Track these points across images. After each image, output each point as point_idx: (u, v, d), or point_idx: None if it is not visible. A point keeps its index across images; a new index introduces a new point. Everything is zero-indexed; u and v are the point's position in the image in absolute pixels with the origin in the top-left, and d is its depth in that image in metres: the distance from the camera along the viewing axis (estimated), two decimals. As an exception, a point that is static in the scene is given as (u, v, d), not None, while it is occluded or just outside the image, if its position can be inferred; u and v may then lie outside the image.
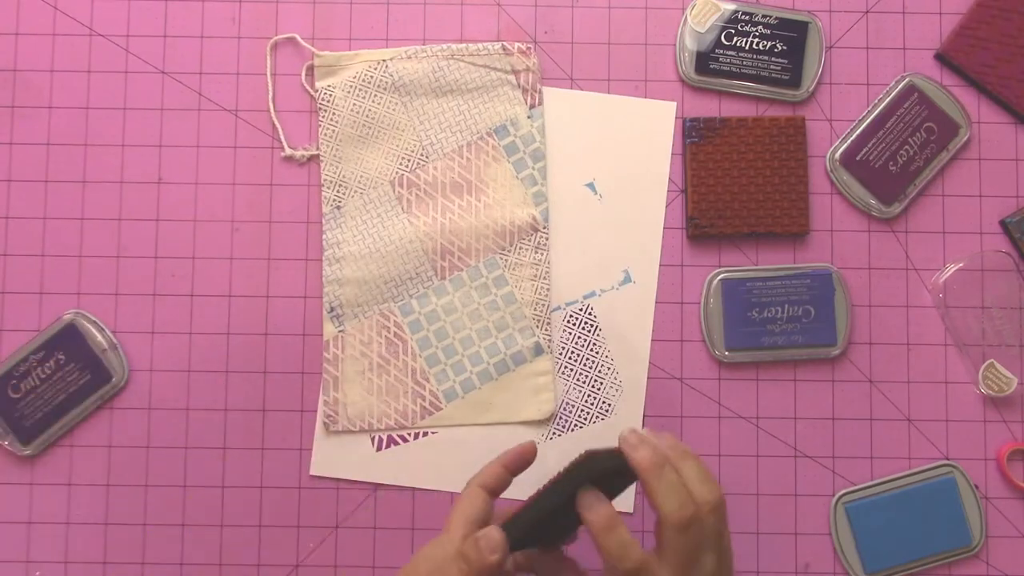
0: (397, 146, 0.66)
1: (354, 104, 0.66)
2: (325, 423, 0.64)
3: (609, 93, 0.67)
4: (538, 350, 0.65)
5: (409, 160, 0.66)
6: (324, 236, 0.65)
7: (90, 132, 0.67)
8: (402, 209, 0.65)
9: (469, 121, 0.66)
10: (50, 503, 0.65)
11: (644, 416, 0.65)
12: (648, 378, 0.66)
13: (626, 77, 0.67)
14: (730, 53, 0.66)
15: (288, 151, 0.66)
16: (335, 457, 0.65)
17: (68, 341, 0.64)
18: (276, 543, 0.65)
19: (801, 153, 0.65)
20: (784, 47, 0.66)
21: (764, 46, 0.66)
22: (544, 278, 0.65)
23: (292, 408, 0.65)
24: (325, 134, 0.66)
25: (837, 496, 0.64)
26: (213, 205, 0.66)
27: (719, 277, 0.65)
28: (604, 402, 0.65)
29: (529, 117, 0.66)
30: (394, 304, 0.65)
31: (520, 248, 0.65)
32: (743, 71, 0.66)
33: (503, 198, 0.65)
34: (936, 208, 0.67)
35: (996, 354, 0.65)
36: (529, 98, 0.66)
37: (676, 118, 0.67)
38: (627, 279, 0.66)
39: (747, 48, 0.66)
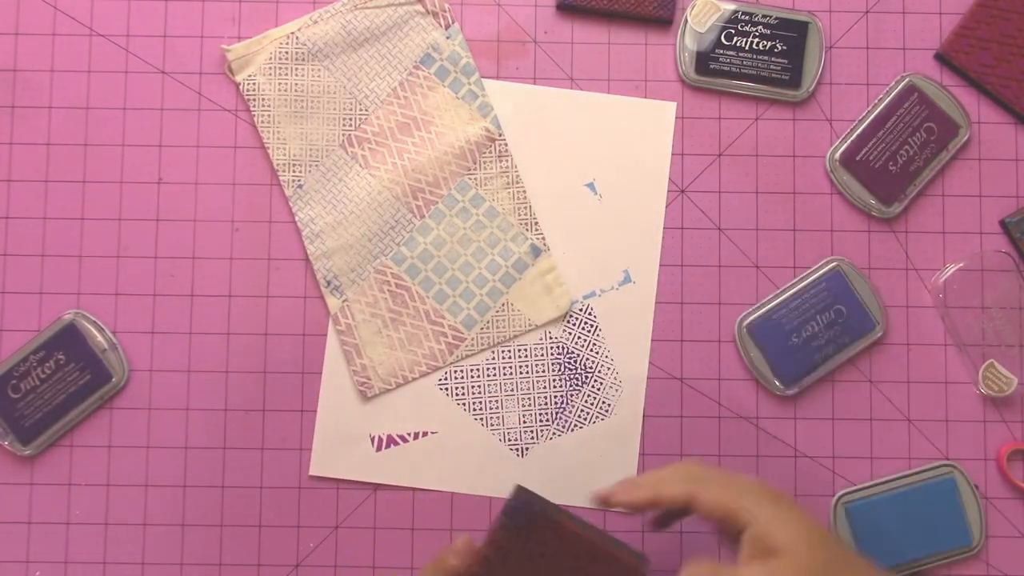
0: (334, 110, 0.66)
1: (279, 84, 0.66)
2: (361, 391, 0.65)
3: (609, 93, 0.67)
4: (535, 251, 0.66)
5: (350, 119, 0.66)
6: (297, 217, 0.66)
7: (90, 132, 0.67)
8: (360, 166, 0.66)
9: (393, 62, 0.66)
10: (50, 503, 0.65)
11: (644, 416, 0.65)
12: (648, 378, 0.66)
13: (626, 77, 0.67)
14: (730, 53, 0.66)
15: None
16: (335, 457, 0.65)
17: (68, 341, 0.64)
18: (276, 543, 0.65)
19: None
20: (784, 47, 0.66)
21: (764, 46, 0.66)
22: (517, 183, 0.66)
23: (292, 408, 0.65)
24: (262, 122, 0.66)
25: (837, 496, 0.64)
26: (213, 205, 0.66)
27: (745, 324, 0.65)
28: (604, 402, 0.65)
29: (448, 37, 0.66)
30: (385, 257, 0.66)
31: (484, 162, 0.66)
32: (743, 71, 0.66)
33: (451, 121, 0.66)
34: (936, 208, 0.67)
35: (996, 354, 0.65)
36: (442, 20, 0.66)
37: (676, 118, 0.67)
38: (627, 279, 0.66)
39: (747, 48, 0.66)
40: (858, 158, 0.66)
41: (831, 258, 0.66)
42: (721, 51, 0.66)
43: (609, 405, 0.65)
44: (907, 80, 0.66)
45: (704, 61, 0.66)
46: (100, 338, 0.65)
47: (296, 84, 0.66)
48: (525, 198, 0.66)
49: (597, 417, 0.65)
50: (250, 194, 0.67)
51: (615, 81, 0.67)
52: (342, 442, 0.65)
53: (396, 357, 0.65)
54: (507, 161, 0.66)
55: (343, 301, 0.65)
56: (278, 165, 0.66)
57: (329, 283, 0.65)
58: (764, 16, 0.66)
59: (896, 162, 0.66)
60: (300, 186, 0.66)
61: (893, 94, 0.66)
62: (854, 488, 0.64)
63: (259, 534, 0.65)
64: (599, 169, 0.67)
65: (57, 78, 0.67)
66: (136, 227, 0.66)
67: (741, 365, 0.66)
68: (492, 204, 0.66)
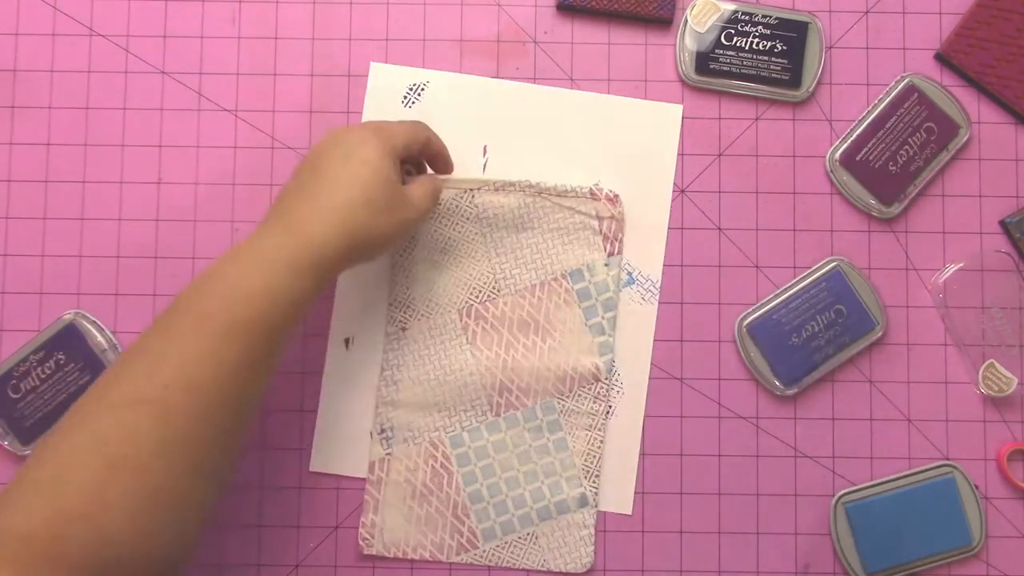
0: (470, 276, 0.65)
1: (434, 231, 0.65)
2: (361, 545, 0.64)
3: (609, 93, 0.67)
4: (583, 501, 0.64)
5: (480, 291, 0.65)
6: (384, 356, 0.65)
7: (90, 132, 0.67)
8: (467, 340, 0.64)
9: (546, 260, 0.65)
10: (50, 503, 0.65)
11: (645, 416, 0.65)
12: (649, 378, 0.66)
13: (626, 77, 0.67)
14: (730, 53, 0.66)
15: None
16: (335, 453, 0.65)
17: (68, 341, 0.64)
18: (276, 543, 0.65)
19: None
20: (784, 47, 0.66)
21: (764, 46, 0.66)
22: (599, 429, 0.64)
23: (292, 408, 0.65)
24: (400, 255, 0.65)
25: (837, 496, 0.64)
26: (213, 205, 0.66)
27: (745, 324, 0.65)
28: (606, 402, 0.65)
29: (606, 265, 0.65)
30: (445, 434, 0.64)
31: (579, 396, 0.64)
32: (743, 71, 0.66)
33: (569, 343, 0.64)
34: (936, 208, 0.67)
35: (996, 354, 0.65)
36: (609, 246, 0.65)
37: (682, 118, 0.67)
38: (630, 280, 0.66)
39: (747, 48, 0.66)
40: (858, 158, 0.66)
41: (831, 258, 0.66)
42: (721, 51, 0.66)
43: (611, 405, 0.65)
44: (907, 80, 0.66)
45: (704, 61, 0.66)
46: (100, 338, 0.65)
47: (450, 237, 0.65)
48: (600, 448, 0.64)
49: (597, 417, 0.65)
50: (250, 194, 0.66)
51: (615, 81, 0.67)
52: (343, 438, 0.65)
53: (407, 531, 0.64)
54: (601, 405, 0.64)
55: (387, 454, 0.64)
56: (393, 300, 0.65)
57: (383, 431, 0.64)
58: (764, 16, 0.66)
59: (896, 162, 0.66)
60: (404, 328, 0.65)
61: (893, 94, 0.66)
62: (854, 488, 0.64)
63: (259, 534, 0.65)
64: (604, 170, 0.67)
65: (57, 78, 0.67)
66: (136, 227, 0.66)
67: (741, 365, 0.66)
68: (566, 436, 0.64)
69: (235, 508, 0.65)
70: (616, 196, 0.65)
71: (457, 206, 0.65)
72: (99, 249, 0.66)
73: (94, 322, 0.65)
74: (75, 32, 0.67)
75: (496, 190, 0.65)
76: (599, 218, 0.65)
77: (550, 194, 0.65)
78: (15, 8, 0.67)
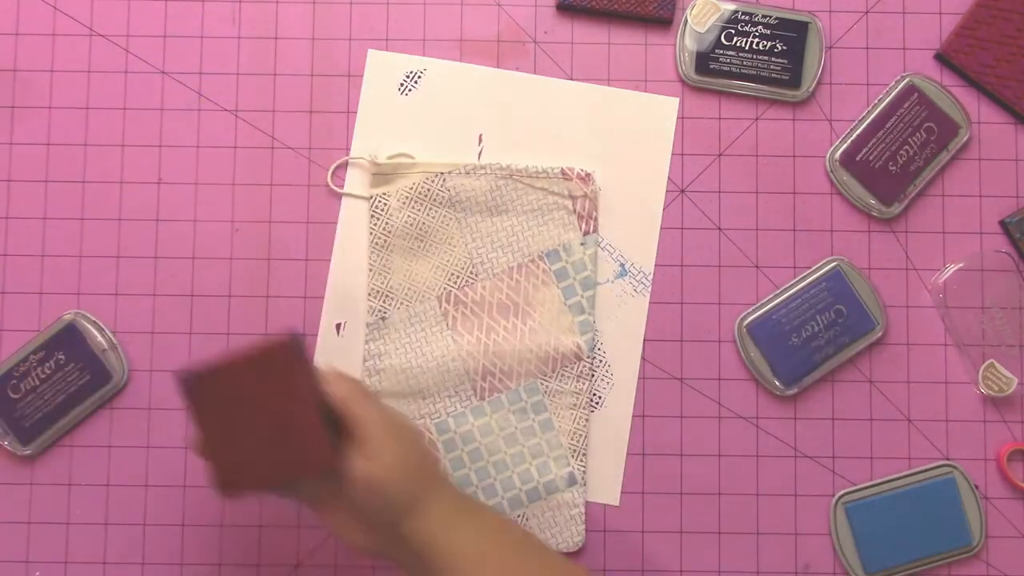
0: (447, 261, 0.65)
1: (408, 216, 0.65)
2: None
3: (609, 93, 0.67)
4: (571, 480, 0.64)
5: (458, 277, 0.65)
6: (366, 347, 0.65)
7: (90, 132, 0.67)
8: (447, 326, 0.65)
9: (521, 243, 0.65)
10: (50, 503, 0.65)
11: (637, 415, 0.65)
12: (648, 378, 0.66)
13: (626, 77, 0.67)
14: (730, 53, 0.66)
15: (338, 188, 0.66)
16: None
17: (68, 341, 0.64)
18: (276, 543, 0.65)
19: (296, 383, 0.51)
20: (784, 47, 0.66)
21: (764, 46, 0.66)
22: (584, 408, 0.64)
23: (292, 408, 0.65)
24: (376, 244, 0.65)
25: (837, 496, 0.64)
26: (213, 205, 0.66)
27: (745, 324, 0.65)
28: (595, 394, 0.65)
29: (582, 244, 0.65)
30: (430, 420, 0.64)
31: (562, 376, 0.64)
32: (743, 71, 0.66)
33: (549, 323, 0.65)
34: (936, 208, 0.67)
35: (996, 354, 0.65)
36: (584, 224, 0.65)
37: (676, 118, 0.67)
38: (623, 272, 0.66)
39: (747, 48, 0.66)
40: (858, 158, 0.66)
41: (831, 258, 0.66)
42: (721, 51, 0.66)
43: (600, 397, 0.65)
44: (907, 80, 0.66)
45: (704, 61, 0.66)
46: (100, 338, 0.65)
47: (423, 222, 0.65)
48: (586, 426, 0.64)
49: (587, 408, 0.65)
50: (250, 194, 0.67)
51: (615, 81, 0.67)
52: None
53: None
54: (584, 384, 0.64)
55: None
56: (371, 290, 0.65)
57: None
58: (764, 16, 0.66)
59: (896, 162, 0.66)
60: (383, 318, 0.65)
61: (893, 94, 0.66)
62: (854, 488, 0.64)
63: (259, 534, 0.65)
64: (600, 160, 0.67)
65: (57, 78, 0.67)
66: (136, 227, 0.66)
67: (741, 365, 0.66)
68: (552, 417, 0.64)
69: (235, 508, 0.65)
70: (588, 175, 0.65)
71: (429, 190, 0.65)
72: (99, 249, 0.66)
73: (94, 322, 0.65)
74: (75, 32, 0.67)
75: (467, 173, 0.65)
76: (572, 197, 0.65)
77: (521, 176, 0.65)
78: (15, 8, 0.67)
